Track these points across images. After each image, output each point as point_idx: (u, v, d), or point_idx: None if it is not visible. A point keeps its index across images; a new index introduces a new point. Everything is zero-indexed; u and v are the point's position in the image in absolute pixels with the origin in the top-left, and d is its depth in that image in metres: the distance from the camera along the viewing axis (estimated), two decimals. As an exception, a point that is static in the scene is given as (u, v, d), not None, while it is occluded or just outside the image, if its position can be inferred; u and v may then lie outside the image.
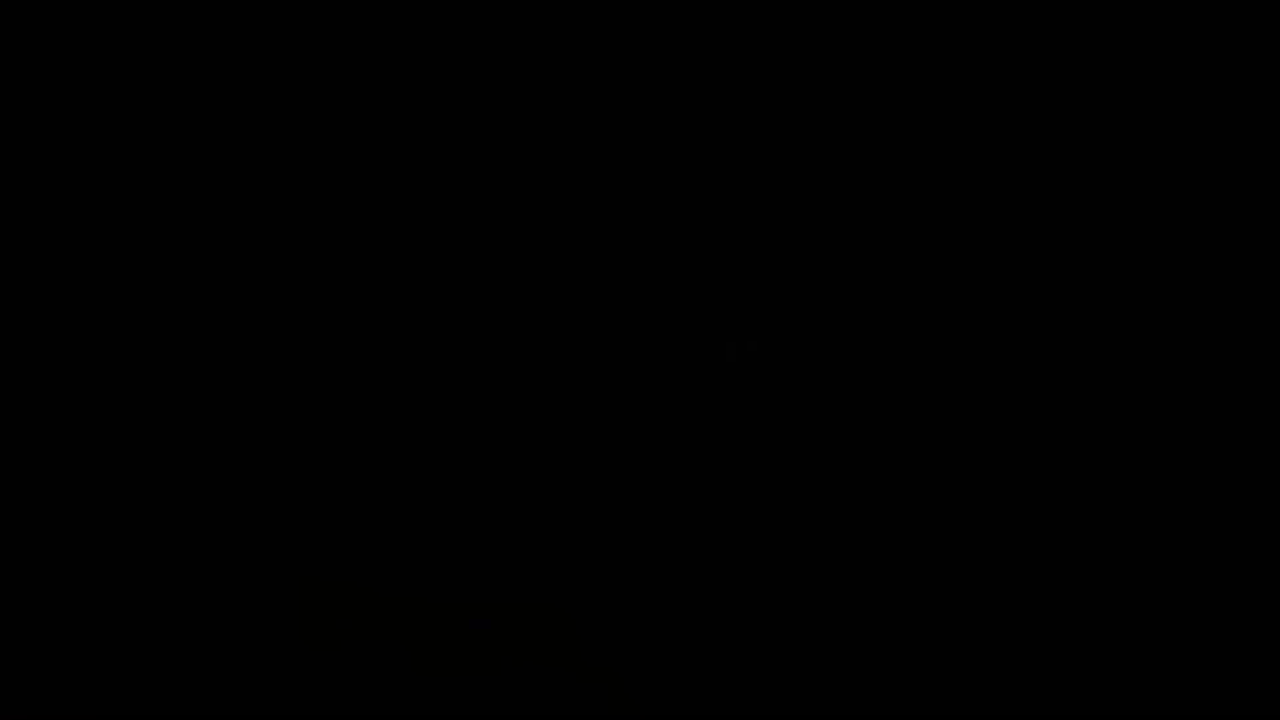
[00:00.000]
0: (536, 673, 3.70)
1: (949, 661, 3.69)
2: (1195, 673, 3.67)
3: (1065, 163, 3.87)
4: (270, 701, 3.68)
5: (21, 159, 3.88)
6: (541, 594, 3.74)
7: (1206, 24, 3.87)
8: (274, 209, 3.88)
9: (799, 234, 3.88)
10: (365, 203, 3.89)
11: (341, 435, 3.81)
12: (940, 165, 3.88)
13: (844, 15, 3.89)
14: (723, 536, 3.77)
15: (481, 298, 3.86)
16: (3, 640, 3.68)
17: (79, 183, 3.89)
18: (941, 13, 3.89)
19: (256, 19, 3.91)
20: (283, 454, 3.79)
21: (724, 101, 3.91)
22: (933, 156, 3.88)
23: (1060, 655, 3.69)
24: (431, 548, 3.76)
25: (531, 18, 3.92)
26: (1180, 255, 3.84)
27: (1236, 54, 3.87)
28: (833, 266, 3.86)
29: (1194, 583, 3.71)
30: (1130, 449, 3.77)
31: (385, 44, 3.92)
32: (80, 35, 3.91)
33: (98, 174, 3.89)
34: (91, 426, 3.80)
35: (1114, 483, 3.76)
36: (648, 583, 3.75)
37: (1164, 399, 3.79)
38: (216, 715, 3.66)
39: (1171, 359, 3.80)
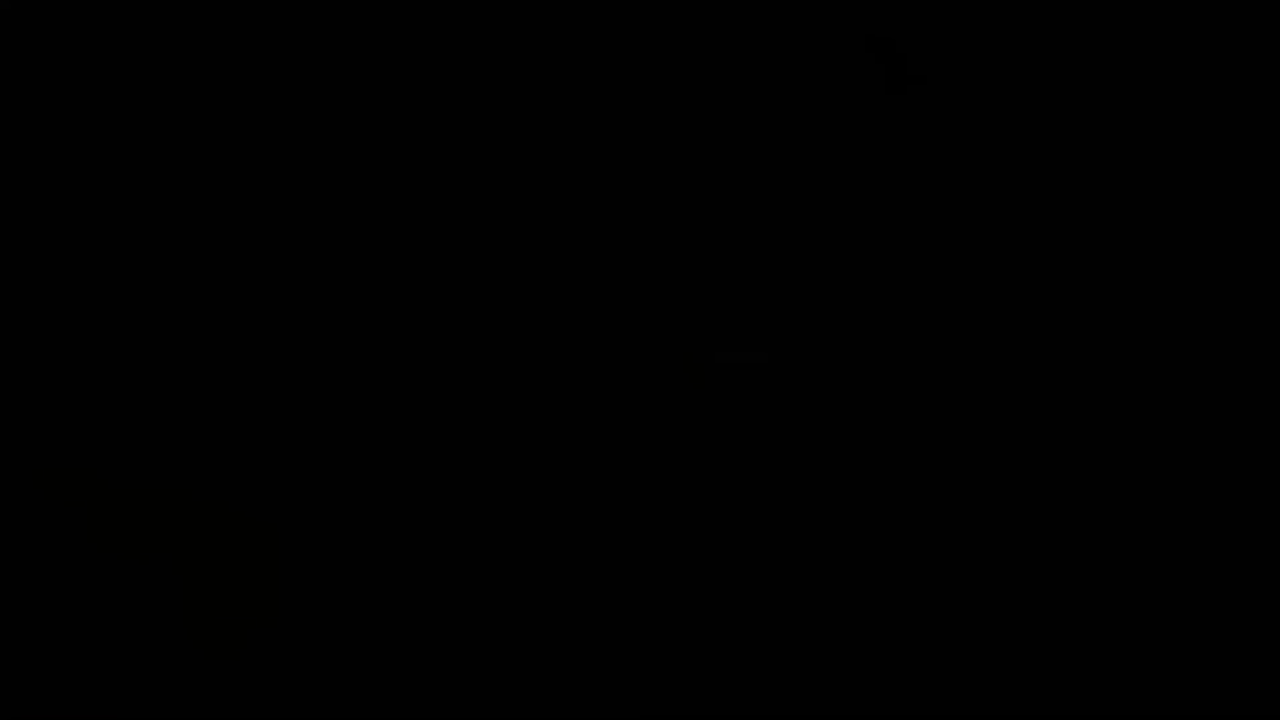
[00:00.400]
0: (535, 673, 3.70)
1: (949, 663, 3.69)
2: (1195, 673, 3.67)
3: (1071, 175, 3.87)
4: (270, 702, 3.68)
5: (21, 159, 3.88)
6: (542, 597, 3.74)
7: (1206, 24, 3.88)
8: (273, 209, 3.88)
9: (808, 245, 3.88)
10: (374, 212, 3.89)
11: (341, 436, 3.81)
12: (946, 177, 3.88)
13: (855, 26, 3.90)
14: (727, 545, 3.77)
15: (488, 308, 3.86)
16: (2, 640, 3.68)
17: (79, 183, 3.89)
18: (947, 22, 3.89)
19: (256, 19, 3.91)
20: (273, 453, 3.80)
21: (730, 112, 3.91)
22: (939, 167, 3.88)
23: (1061, 657, 3.69)
24: (433, 549, 3.76)
25: (537, 22, 3.92)
26: (1180, 255, 3.84)
27: (1236, 54, 3.87)
28: (840, 278, 3.86)
29: (1194, 583, 3.71)
30: (1136, 462, 3.77)
31: (385, 44, 3.92)
32: (80, 35, 3.91)
33: (98, 174, 3.89)
34: (90, 426, 3.80)
35: (1117, 496, 3.76)
36: (653, 589, 3.75)
37: (1169, 404, 3.79)
38: (215, 716, 3.67)
39: (1173, 361, 3.81)
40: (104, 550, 3.74)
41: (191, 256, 3.86)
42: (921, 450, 3.78)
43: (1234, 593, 3.70)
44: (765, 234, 3.88)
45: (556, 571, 3.75)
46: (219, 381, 3.81)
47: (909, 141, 3.88)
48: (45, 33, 3.90)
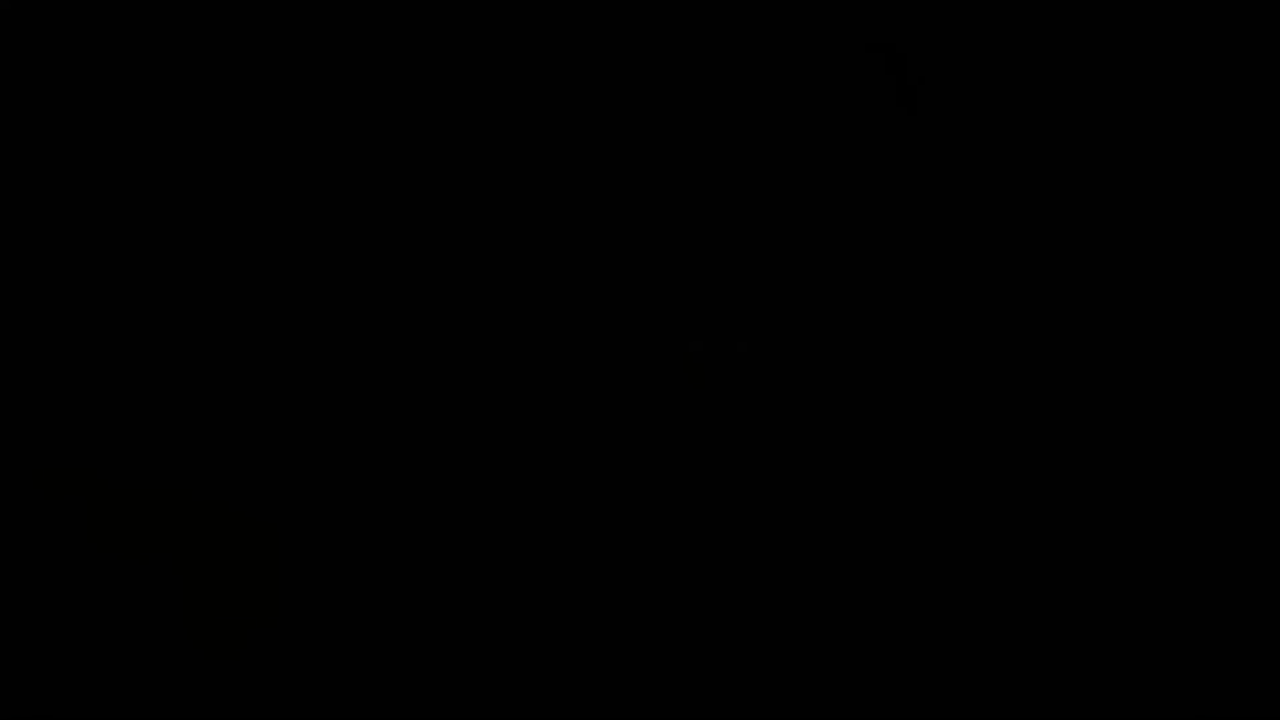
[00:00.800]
0: (535, 673, 3.70)
1: (948, 661, 3.69)
2: (1195, 673, 3.67)
3: (1058, 160, 3.87)
4: (270, 702, 3.68)
5: (21, 159, 3.88)
6: (541, 595, 3.74)
7: (1209, 26, 3.87)
8: (273, 209, 3.88)
9: (790, 234, 3.88)
10: (372, 211, 3.89)
11: (335, 435, 3.81)
12: (935, 164, 3.88)
13: (855, 29, 3.90)
14: (715, 538, 3.76)
15: (483, 306, 3.86)
16: (2, 640, 3.68)
17: (79, 183, 3.88)
18: (949, 24, 3.89)
19: (256, 19, 3.91)
20: (273, 453, 3.80)
21: (716, 101, 3.91)
22: (928, 155, 3.88)
23: (1060, 655, 3.69)
24: (433, 549, 3.76)
25: (521, 9, 3.92)
26: (1180, 255, 3.84)
27: (1236, 54, 3.87)
28: (823, 268, 3.86)
29: (1194, 583, 3.71)
30: (1129, 449, 3.77)
31: (380, 43, 3.92)
32: (80, 35, 3.91)
33: (98, 174, 3.89)
34: (90, 426, 3.80)
35: (1113, 483, 3.76)
36: (651, 588, 3.75)
37: (1164, 399, 3.79)
38: (215, 716, 3.67)
39: (1171, 359, 3.80)
40: (104, 550, 3.73)
41: (191, 256, 3.86)
42: (910, 443, 3.78)
43: (1234, 593, 3.70)
44: (747, 225, 3.88)
45: (555, 569, 3.75)
46: (218, 381, 3.81)
47: (903, 136, 3.88)
48: (45, 33, 3.90)
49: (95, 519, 3.75)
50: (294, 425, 3.80)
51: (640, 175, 3.89)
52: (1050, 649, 3.69)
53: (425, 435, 3.80)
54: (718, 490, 3.78)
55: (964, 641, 3.70)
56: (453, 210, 3.89)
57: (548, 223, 3.89)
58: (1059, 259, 3.84)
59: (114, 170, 3.88)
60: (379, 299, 3.85)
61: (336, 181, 3.89)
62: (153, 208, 3.88)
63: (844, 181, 3.88)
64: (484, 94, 3.91)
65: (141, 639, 3.69)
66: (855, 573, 3.74)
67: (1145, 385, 3.80)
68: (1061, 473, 3.76)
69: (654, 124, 3.90)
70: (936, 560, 3.73)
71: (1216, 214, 3.84)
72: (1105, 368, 3.80)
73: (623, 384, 3.83)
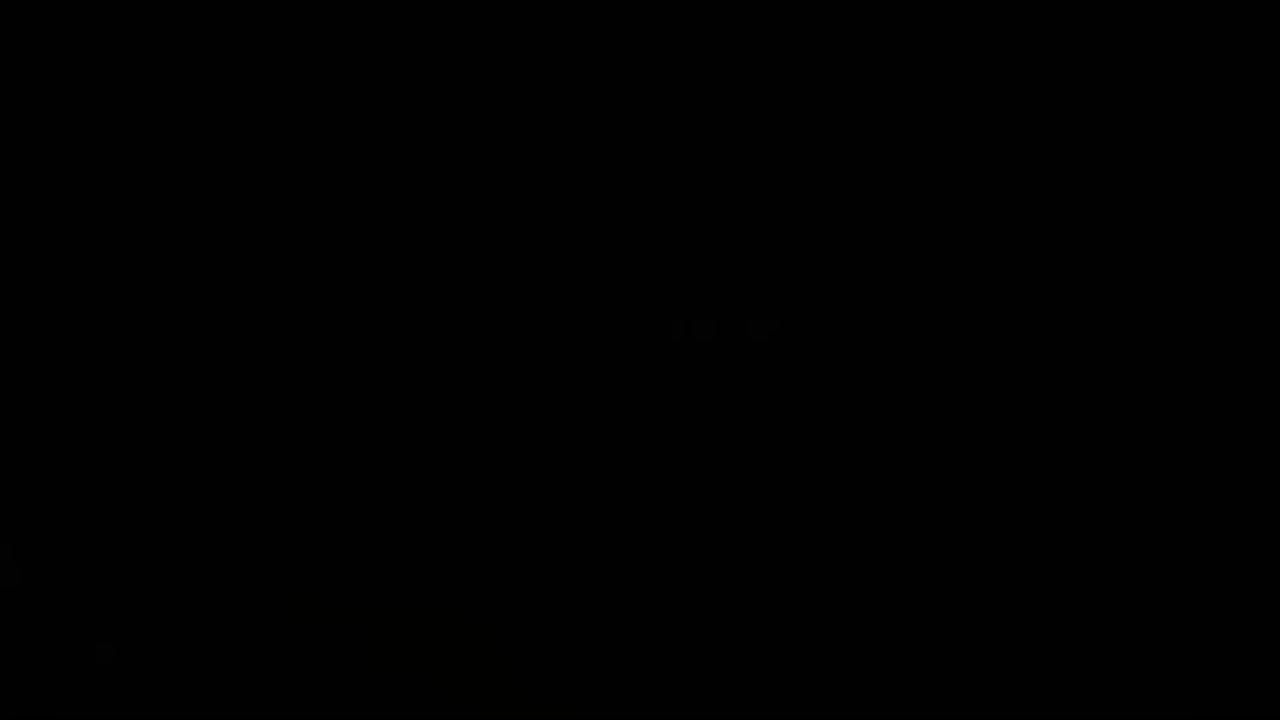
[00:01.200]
0: (530, 671, 3.71)
1: (949, 660, 3.69)
2: (1195, 673, 3.67)
3: (1058, 160, 3.87)
4: (270, 702, 3.69)
5: (21, 159, 3.89)
6: (542, 594, 3.75)
7: (1206, 24, 3.88)
8: (273, 208, 3.89)
9: (790, 234, 3.88)
10: (369, 210, 3.90)
11: (332, 436, 3.81)
12: (935, 164, 3.88)
13: (853, 26, 3.90)
14: (718, 534, 3.77)
15: (485, 303, 3.86)
16: (2, 640, 3.69)
17: (79, 183, 3.89)
18: (939, 8, 3.89)
19: (256, 19, 3.91)
20: (273, 453, 3.80)
21: (718, 100, 3.91)
22: (940, 146, 3.88)
23: (1060, 655, 3.69)
24: (424, 547, 3.76)
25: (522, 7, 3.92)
26: (1179, 255, 3.84)
27: (1236, 54, 3.88)
28: (823, 266, 3.87)
29: (1194, 583, 3.71)
30: (1136, 440, 3.78)
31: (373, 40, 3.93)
32: (80, 35, 3.91)
33: (98, 174, 3.89)
34: (90, 427, 3.80)
35: (1126, 476, 3.76)
36: (657, 586, 3.75)
37: (1164, 398, 3.79)
38: (215, 715, 3.67)
39: (1171, 357, 3.81)
40: (104, 549, 3.74)
41: (190, 256, 3.87)
42: (931, 428, 3.79)
43: (1234, 593, 3.70)
44: (746, 224, 3.88)
45: (556, 566, 3.75)
46: (218, 380, 3.82)
47: (903, 136, 3.88)
48: (45, 33, 3.90)
49: (95, 518, 3.75)
50: (294, 424, 3.80)
51: (642, 174, 3.89)
52: (1056, 645, 3.70)
53: (425, 429, 3.80)
54: (720, 486, 3.78)
55: (971, 637, 3.70)
56: (452, 204, 3.89)
57: (549, 220, 3.89)
58: (1058, 258, 3.84)
59: (114, 170, 3.89)
60: (378, 294, 3.86)
61: (332, 177, 3.90)
62: (153, 208, 3.88)
63: (844, 181, 3.88)
64: (485, 86, 3.91)
65: (142, 638, 3.70)
66: (860, 569, 3.74)
67: (1145, 375, 3.80)
68: (1063, 467, 3.76)
69: (656, 123, 3.90)
70: (945, 555, 3.73)
71: (1216, 213, 3.85)
72: (1104, 361, 3.81)
73: (624, 377, 3.83)
